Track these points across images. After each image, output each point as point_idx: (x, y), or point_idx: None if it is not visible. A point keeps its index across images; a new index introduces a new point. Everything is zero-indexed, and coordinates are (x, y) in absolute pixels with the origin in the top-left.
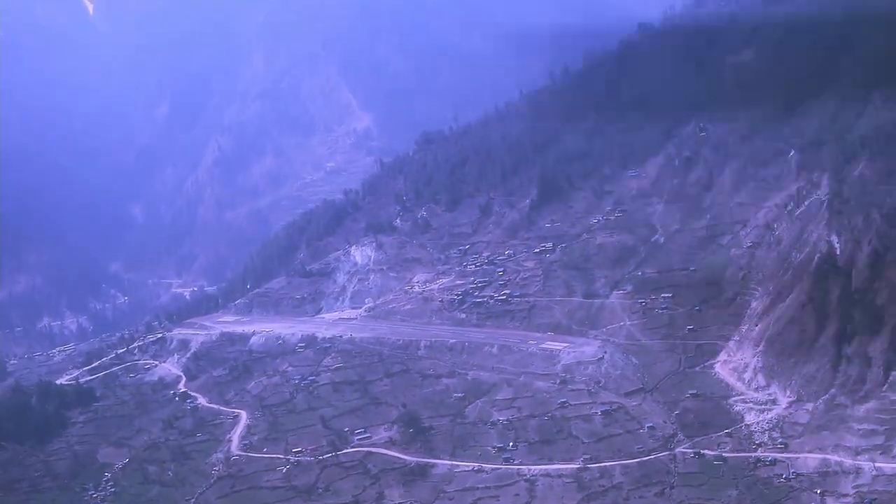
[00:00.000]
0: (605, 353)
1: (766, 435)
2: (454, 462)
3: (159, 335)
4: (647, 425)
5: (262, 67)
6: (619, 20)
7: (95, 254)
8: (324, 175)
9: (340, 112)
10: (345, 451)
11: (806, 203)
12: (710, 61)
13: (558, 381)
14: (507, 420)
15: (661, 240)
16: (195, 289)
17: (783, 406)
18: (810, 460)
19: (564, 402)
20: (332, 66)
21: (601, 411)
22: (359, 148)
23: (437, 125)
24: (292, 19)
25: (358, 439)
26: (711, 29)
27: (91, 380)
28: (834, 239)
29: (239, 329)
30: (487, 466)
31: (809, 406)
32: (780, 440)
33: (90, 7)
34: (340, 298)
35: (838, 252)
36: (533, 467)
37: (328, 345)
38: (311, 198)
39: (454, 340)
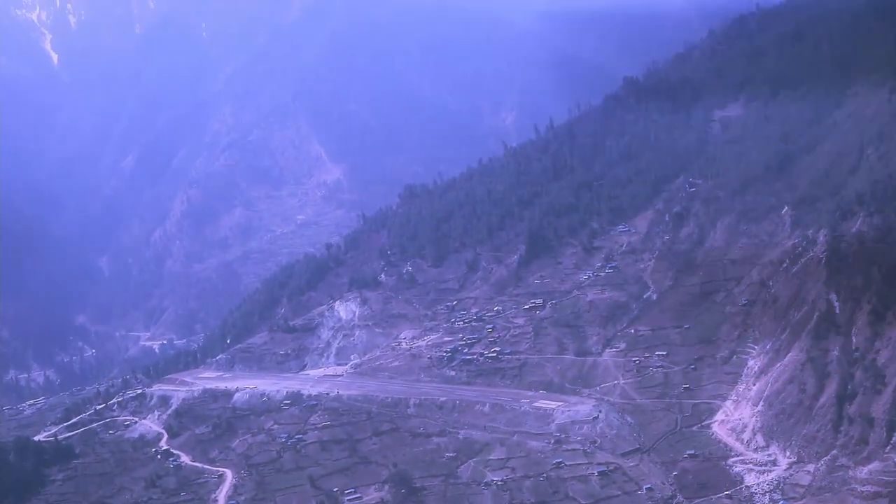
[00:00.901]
0: (600, 412)
1: (767, 497)
2: None
3: (139, 391)
4: (645, 487)
5: (231, 119)
6: (591, 73)
7: (62, 306)
8: (294, 228)
9: (310, 164)
10: None
11: (802, 260)
12: (697, 116)
13: (553, 441)
14: (501, 481)
15: (654, 297)
16: (164, 342)
17: (783, 467)
18: None
19: (560, 463)
20: (302, 118)
21: (598, 472)
22: (329, 200)
23: (409, 178)
24: (261, 71)
25: (348, 500)
26: (697, 83)
27: (70, 436)
28: (833, 297)
29: (221, 385)
30: None
31: (810, 467)
32: (781, 502)
33: (55, 58)
34: (325, 354)
35: (837, 310)
36: None
37: (314, 402)
38: (281, 251)
39: (444, 398)
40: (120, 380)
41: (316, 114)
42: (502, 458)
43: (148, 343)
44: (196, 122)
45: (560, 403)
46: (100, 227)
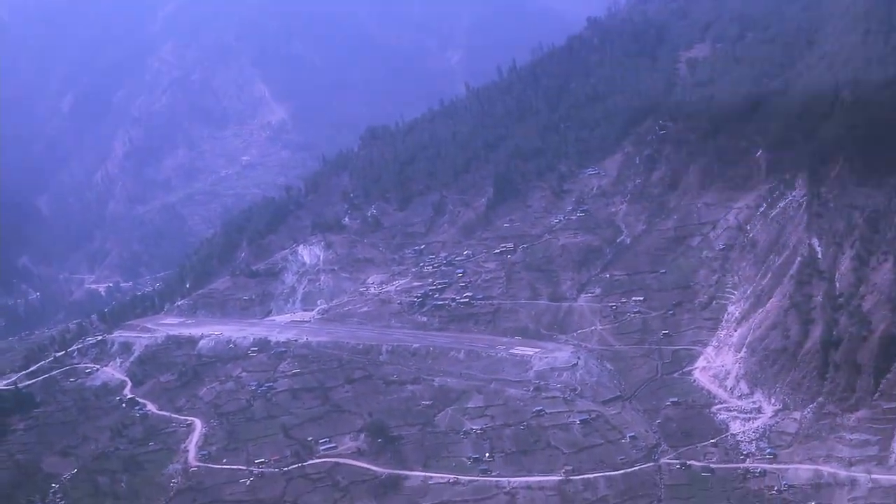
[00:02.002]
0: (579, 358)
1: (754, 445)
2: (428, 474)
3: (99, 337)
4: (628, 435)
5: (172, 58)
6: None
7: (2, 248)
8: (239, 169)
9: (254, 105)
10: (310, 461)
11: (781, 204)
12: (663, 57)
13: (532, 389)
14: (480, 429)
15: (627, 241)
16: (110, 285)
17: (769, 415)
18: (802, 471)
19: (540, 411)
20: (246, 58)
21: (579, 420)
22: (274, 141)
23: (355, 119)
24: (203, 10)
25: (323, 449)
26: (661, 24)
27: (30, 384)
28: (815, 242)
29: (185, 332)
30: (464, 478)
31: (797, 415)
32: (768, 450)
33: None
34: (290, 300)
35: (820, 256)
36: (512, 479)
37: (283, 349)
38: (226, 192)
39: (417, 345)
40: (74, 325)
41: (260, 53)
42: (480, 407)
43: (93, 286)
44: (136, 62)
45: (537, 350)
46: (39, 167)
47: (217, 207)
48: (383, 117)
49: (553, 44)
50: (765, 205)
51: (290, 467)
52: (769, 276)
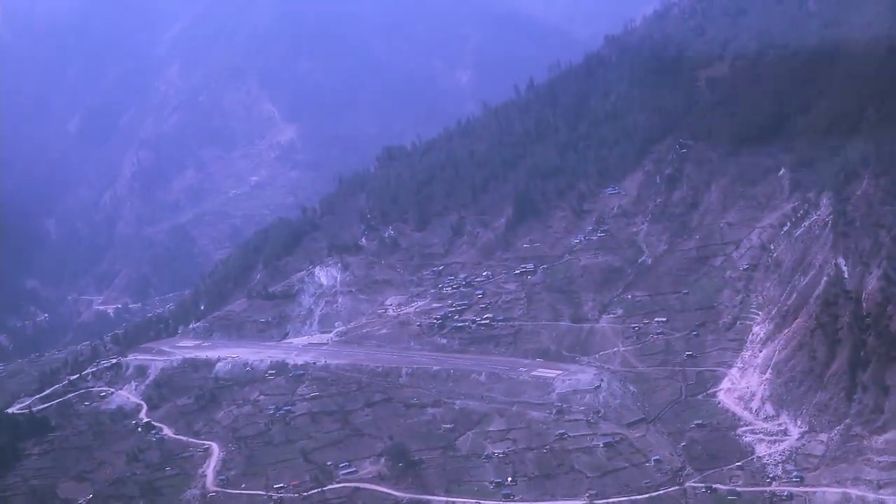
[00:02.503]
0: (602, 380)
1: (780, 468)
2: (450, 498)
3: (114, 360)
4: (653, 458)
5: (179, 80)
6: (549, 33)
7: (11, 270)
8: (248, 189)
9: (263, 125)
10: (331, 486)
11: (805, 223)
12: (681, 75)
13: (554, 411)
14: (502, 453)
15: (649, 261)
16: (119, 306)
17: (795, 437)
18: (829, 495)
19: (563, 434)
20: (254, 79)
21: (603, 443)
22: (284, 161)
23: (364, 139)
24: (209, 31)
25: (343, 474)
26: (680, 42)
27: (44, 408)
28: (841, 262)
29: (202, 354)
30: (486, 503)
31: (823, 437)
32: (795, 473)
33: None
34: (308, 322)
35: (846, 276)
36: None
37: (301, 372)
38: (235, 213)
39: (438, 367)
40: (87, 347)
41: (267, 74)
42: (502, 430)
43: (101, 307)
44: (142, 83)
45: (559, 372)
46: (46, 190)
47: (226, 228)
48: (392, 137)
49: (564, 62)
50: (789, 224)
51: (309, 492)
52: (794, 296)
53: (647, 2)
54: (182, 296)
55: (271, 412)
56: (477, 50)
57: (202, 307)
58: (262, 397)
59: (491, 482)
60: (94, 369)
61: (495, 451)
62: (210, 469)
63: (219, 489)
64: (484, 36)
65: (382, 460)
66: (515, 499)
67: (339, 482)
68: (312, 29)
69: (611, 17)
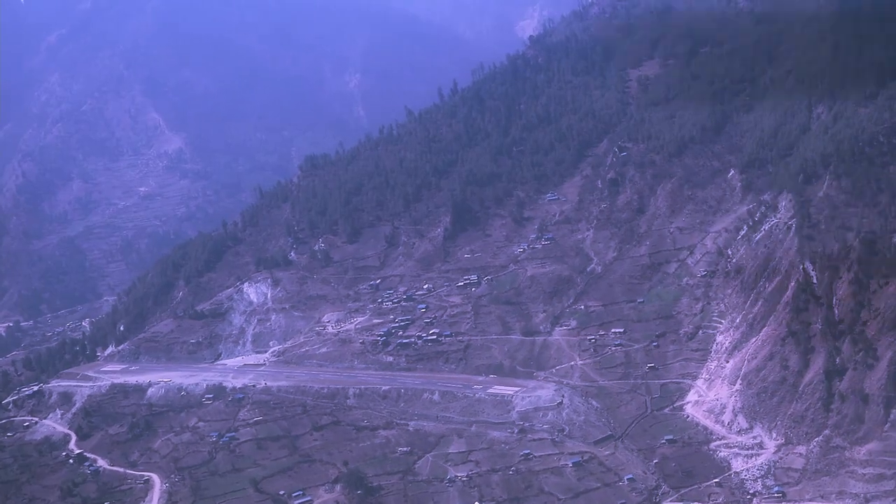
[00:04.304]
0: (563, 396)
1: (760, 483)
2: None
3: (35, 387)
4: (625, 477)
5: (60, 89)
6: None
7: None
8: (138, 200)
9: (149, 134)
10: None
11: (765, 227)
12: (612, 75)
13: (516, 431)
14: (466, 476)
15: (599, 269)
16: (10, 324)
17: (772, 450)
18: None
19: (528, 454)
20: (137, 88)
21: (571, 463)
22: (172, 171)
23: (253, 146)
24: (89, 40)
25: (298, 503)
26: (607, 41)
27: None
28: (808, 266)
29: (131, 379)
30: None
31: (802, 449)
32: (776, 488)
33: None
34: (241, 342)
35: (815, 280)
36: None
37: (241, 395)
38: (126, 224)
39: (387, 387)
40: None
41: (151, 83)
42: (463, 451)
43: None
44: (20, 94)
45: (517, 389)
46: None
47: (117, 241)
48: (282, 143)
49: (487, 64)
50: (746, 228)
51: None
52: (760, 303)
53: (531, 2)
54: (75, 312)
55: (213, 439)
56: (364, 54)
57: (122, 328)
58: (201, 423)
59: None
60: (14, 397)
61: (458, 474)
62: (154, 503)
63: None
64: (370, 39)
65: (338, 488)
66: None
67: None
68: (195, 36)
69: (494, 16)
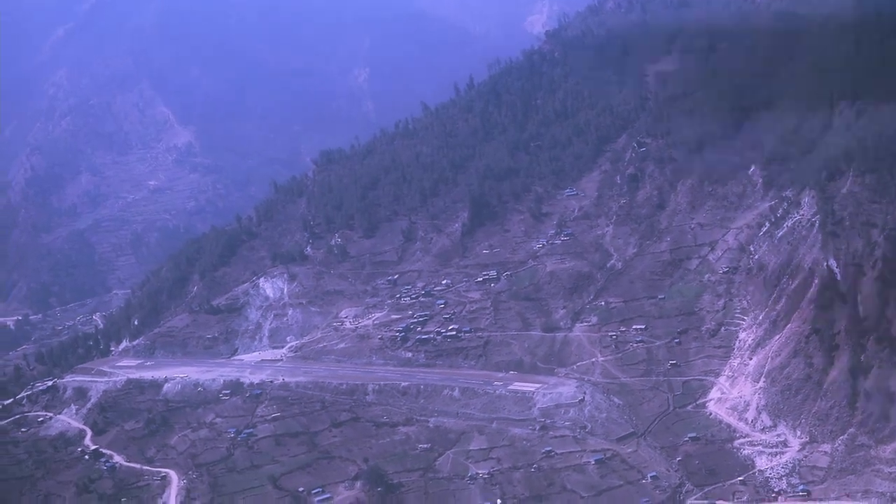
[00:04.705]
0: (585, 393)
1: (784, 481)
2: None
3: (49, 382)
4: (649, 475)
5: (68, 84)
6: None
7: None
8: (147, 194)
9: (158, 128)
10: None
11: (787, 224)
12: (629, 70)
13: (538, 428)
14: (487, 473)
15: (619, 265)
16: (19, 318)
17: (796, 448)
18: None
19: (550, 451)
20: (145, 82)
21: (594, 460)
22: (182, 165)
23: (261, 142)
24: (95, 35)
25: (318, 500)
26: (624, 36)
27: None
28: (832, 263)
29: (147, 374)
30: None
31: (827, 448)
32: (801, 487)
33: None
34: (257, 337)
35: (839, 278)
36: None
37: (258, 391)
38: (135, 218)
39: (406, 383)
40: (10, 367)
41: (159, 78)
42: (484, 449)
43: (0, 320)
44: (28, 89)
45: (538, 385)
46: None
47: (127, 234)
48: (290, 140)
49: (503, 59)
50: (768, 224)
51: None
52: (783, 300)
53: None
54: (85, 305)
55: (231, 435)
56: (372, 49)
57: (136, 322)
58: (218, 419)
59: None
60: (28, 392)
61: (479, 471)
62: (171, 499)
63: None
64: (378, 35)
65: (358, 484)
66: None
67: None
68: (201, 32)
69: (502, 12)
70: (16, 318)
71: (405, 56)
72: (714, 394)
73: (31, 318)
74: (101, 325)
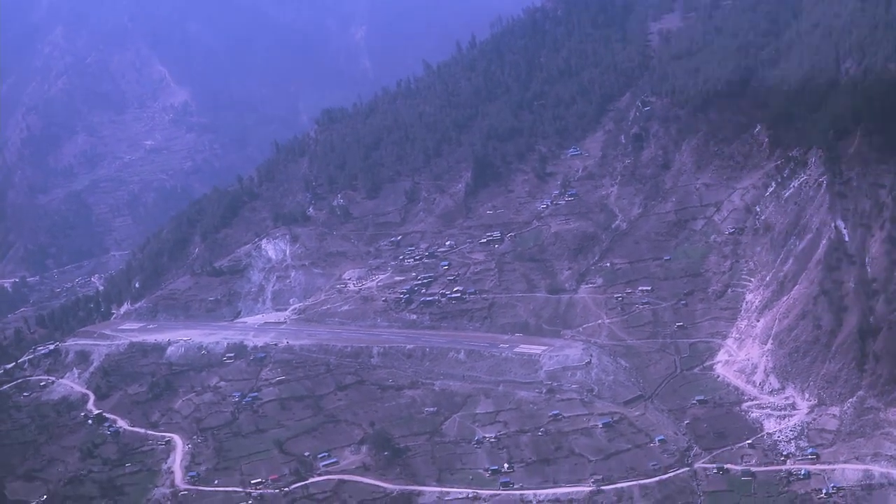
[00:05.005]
0: (592, 356)
1: (793, 444)
2: (443, 489)
3: (51, 346)
4: (657, 438)
5: (64, 42)
6: None
7: None
8: (144, 154)
9: (154, 87)
10: (312, 479)
11: (794, 184)
12: (632, 29)
13: (544, 391)
14: (494, 437)
15: (624, 226)
16: (16, 279)
17: (804, 411)
18: (849, 472)
19: (557, 415)
20: (142, 41)
21: (602, 423)
22: (178, 124)
23: (259, 100)
24: None
25: (324, 465)
26: None
27: None
28: (840, 224)
29: (149, 338)
30: (484, 492)
31: (835, 410)
32: (809, 450)
33: None
34: (260, 299)
35: (847, 239)
36: (538, 491)
37: (262, 354)
38: (132, 178)
39: (411, 346)
40: (9, 330)
41: (155, 35)
42: (490, 412)
43: None
44: (23, 48)
45: (544, 348)
46: None
47: (124, 195)
48: (288, 97)
49: (504, 17)
50: (774, 185)
51: (291, 487)
52: (791, 261)
53: None
54: (82, 267)
55: (236, 399)
56: (369, 6)
57: (137, 285)
58: (222, 383)
59: (486, 469)
60: (30, 356)
61: (486, 435)
62: (176, 464)
63: (190, 487)
64: None
65: (364, 449)
66: (515, 487)
67: (320, 474)
68: None
69: None
70: (13, 279)
71: (402, 13)
72: (721, 356)
73: (28, 279)
74: (101, 288)
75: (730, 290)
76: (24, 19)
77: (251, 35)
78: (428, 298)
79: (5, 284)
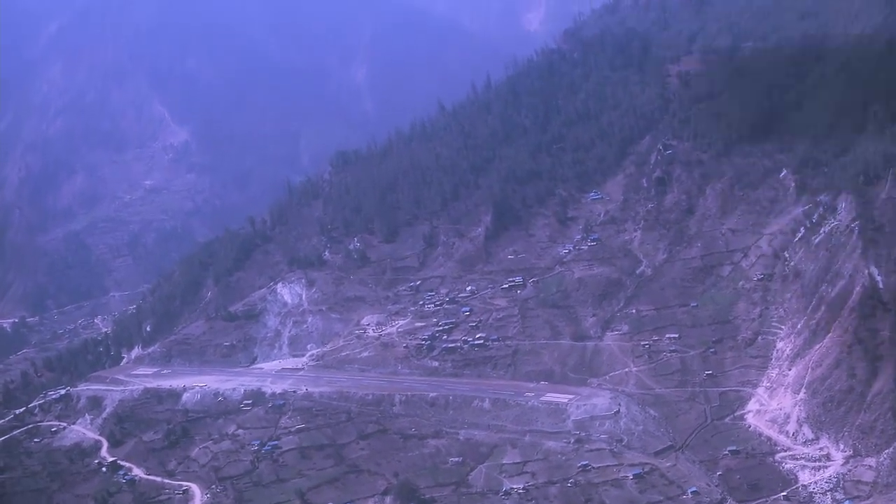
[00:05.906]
0: (620, 405)
1: (829, 496)
2: None
3: (62, 390)
4: (689, 490)
5: (62, 80)
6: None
7: None
8: (143, 194)
9: (154, 126)
10: None
11: (824, 229)
12: (650, 71)
13: (573, 440)
14: (522, 488)
15: (649, 272)
16: (15, 320)
17: (840, 462)
18: None
19: (586, 465)
20: (142, 79)
21: (632, 474)
22: (178, 164)
23: (261, 140)
24: (91, 30)
25: None
26: (644, 36)
27: None
28: (874, 271)
29: (164, 383)
30: None
31: (871, 461)
32: (846, 502)
33: None
34: (276, 345)
35: (881, 286)
36: None
37: (281, 401)
38: (132, 219)
39: (434, 394)
40: (17, 374)
41: (155, 73)
42: (518, 462)
43: None
44: (22, 85)
45: (571, 396)
46: None
47: (124, 235)
48: (289, 136)
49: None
50: (803, 230)
51: None
52: (822, 308)
53: None
54: (82, 307)
55: (255, 448)
56: (370, 45)
57: (148, 328)
58: (240, 431)
59: None
60: (40, 401)
61: (514, 486)
62: None
63: None
64: (376, 30)
65: (388, 500)
66: None
67: None
68: (198, 26)
69: (499, 8)
70: (12, 320)
71: (403, 52)
72: (752, 405)
73: (28, 320)
74: (105, 329)
75: (760, 337)
76: (22, 56)
77: (251, 73)
78: (450, 345)
79: (4, 325)
